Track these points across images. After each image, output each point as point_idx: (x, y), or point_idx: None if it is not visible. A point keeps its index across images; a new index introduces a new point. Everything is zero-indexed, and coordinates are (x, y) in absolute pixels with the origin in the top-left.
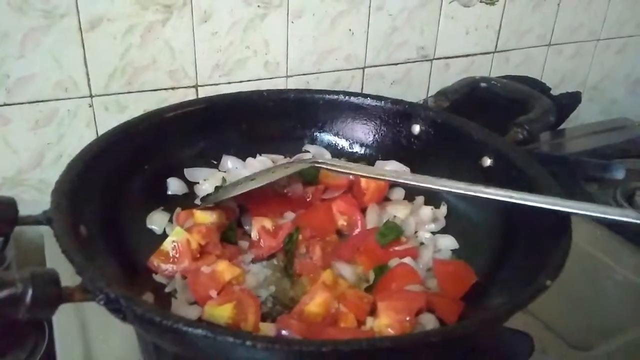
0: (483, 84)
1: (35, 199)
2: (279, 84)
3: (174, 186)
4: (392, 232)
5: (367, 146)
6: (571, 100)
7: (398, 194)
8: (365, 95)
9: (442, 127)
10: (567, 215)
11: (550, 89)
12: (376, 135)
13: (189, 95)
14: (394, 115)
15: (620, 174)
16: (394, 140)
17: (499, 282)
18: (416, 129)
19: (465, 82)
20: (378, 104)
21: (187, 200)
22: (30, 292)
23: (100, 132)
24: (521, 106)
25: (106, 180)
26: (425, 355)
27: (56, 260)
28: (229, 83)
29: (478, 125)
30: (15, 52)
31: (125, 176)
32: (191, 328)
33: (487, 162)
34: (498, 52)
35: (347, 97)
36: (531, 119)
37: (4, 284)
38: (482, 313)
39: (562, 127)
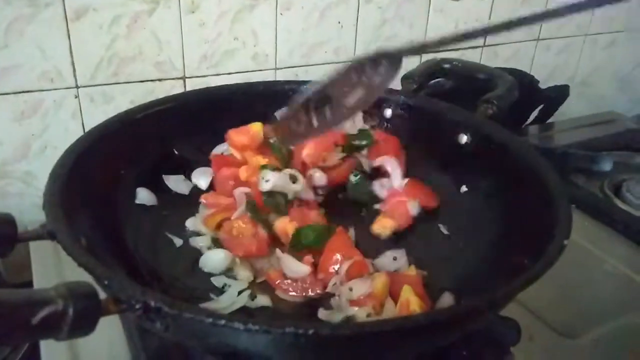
0: (446, 65)
1: (21, 191)
2: (268, 76)
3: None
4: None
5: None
6: (559, 94)
7: None
8: None
9: (414, 109)
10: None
11: (538, 82)
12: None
13: (177, 87)
14: None
15: (607, 166)
16: (367, 123)
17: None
18: (388, 112)
19: (428, 64)
20: None
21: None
22: (71, 308)
23: (86, 123)
24: (484, 84)
25: (97, 184)
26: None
27: (41, 253)
28: (217, 75)
29: (450, 105)
30: None
31: (116, 176)
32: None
33: (464, 139)
34: (487, 46)
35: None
36: (498, 95)
37: (43, 301)
38: (500, 284)
39: (550, 120)
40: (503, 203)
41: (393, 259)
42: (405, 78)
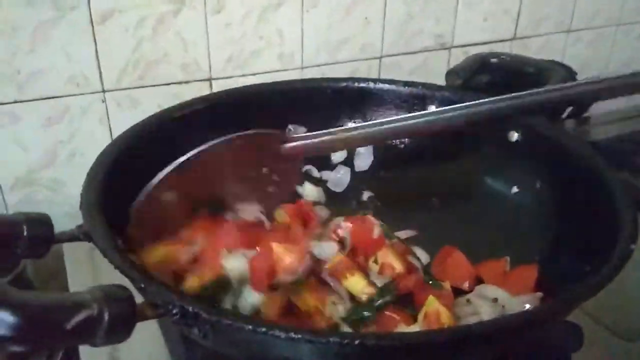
0: (493, 60)
1: (48, 198)
2: (294, 76)
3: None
4: None
5: None
6: None
7: None
8: (375, 80)
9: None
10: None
11: (576, 73)
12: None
13: (203, 89)
14: (407, 99)
15: None
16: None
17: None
18: (432, 109)
19: (474, 58)
20: (389, 87)
21: None
22: (106, 313)
23: (113, 128)
24: (536, 78)
25: (134, 184)
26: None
27: (77, 270)
28: (244, 75)
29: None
30: (25, 47)
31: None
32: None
33: (514, 136)
34: (517, 39)
35: (355, 84)
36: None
37: (78, 305)
38: (570, 288)
39: (586, 114)
40: (557, 204)
41: None
42: (449, 73)
